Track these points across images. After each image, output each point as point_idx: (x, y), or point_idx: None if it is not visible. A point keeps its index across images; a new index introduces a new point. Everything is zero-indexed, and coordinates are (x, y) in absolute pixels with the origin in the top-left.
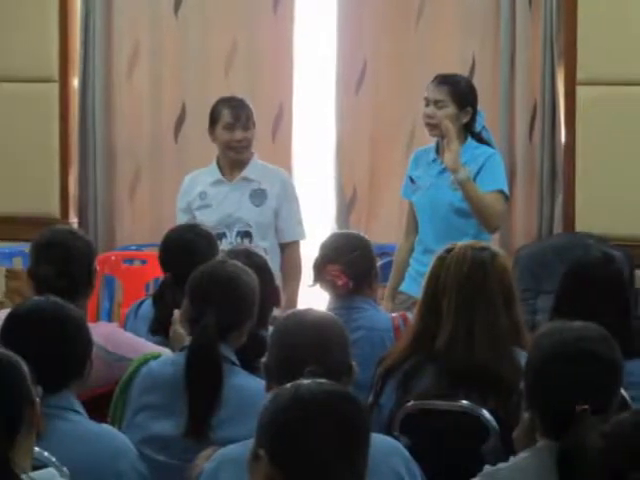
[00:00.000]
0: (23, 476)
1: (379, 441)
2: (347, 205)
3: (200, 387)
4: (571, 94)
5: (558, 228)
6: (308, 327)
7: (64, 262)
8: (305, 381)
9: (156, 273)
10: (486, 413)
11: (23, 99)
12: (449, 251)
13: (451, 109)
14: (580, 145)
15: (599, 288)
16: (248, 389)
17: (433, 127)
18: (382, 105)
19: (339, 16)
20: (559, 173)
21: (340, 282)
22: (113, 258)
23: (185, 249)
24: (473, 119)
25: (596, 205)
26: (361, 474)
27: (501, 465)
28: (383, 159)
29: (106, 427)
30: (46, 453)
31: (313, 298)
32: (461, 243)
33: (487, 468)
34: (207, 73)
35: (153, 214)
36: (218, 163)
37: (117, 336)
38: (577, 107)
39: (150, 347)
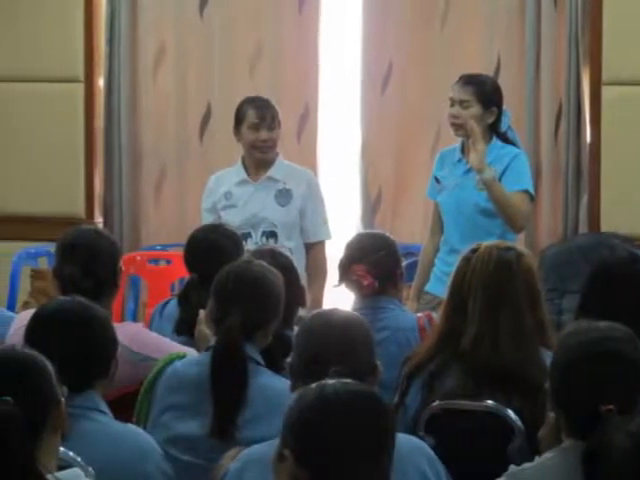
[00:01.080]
0: (49, 476)
1: (404, 441)
2: (372, 205)
3: (225, 387)
4: (596, 94)
5: (583, 228)
6: (333, 327)
7: (89, 262)
8: (330, 381)
9: (181, 273)
10: (512, 413)
11: (48, 99)
12: (474, 251)
13: (476, 109)
14: (605, 145)
15: (624, 288)
16: (273, 389)
17: (458, 127)
18: (407, 105)
19: (364, 16)
20: (584, 173)
21: (365, 282)
22: (138, 258)
23: (210, 249)
24: (498, 119)
25: (621, 205)
26: (386, 474)
27: (526, 465)
28: (408, 159)
29: (131, 427)
30: (71, 453)
31: (338, 298)
32: (486, 243)
33: (512, 468)
34: (232, 73)
35: (178, 214)
36: (243, 163)
37: (142, 336)
38: (602, 107)
39: (175, 347)
